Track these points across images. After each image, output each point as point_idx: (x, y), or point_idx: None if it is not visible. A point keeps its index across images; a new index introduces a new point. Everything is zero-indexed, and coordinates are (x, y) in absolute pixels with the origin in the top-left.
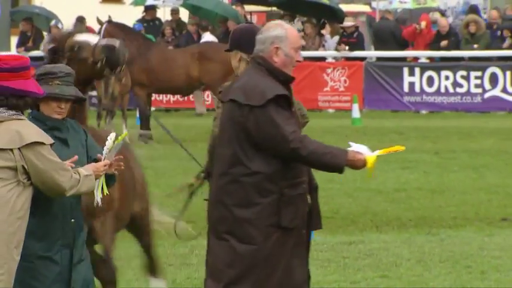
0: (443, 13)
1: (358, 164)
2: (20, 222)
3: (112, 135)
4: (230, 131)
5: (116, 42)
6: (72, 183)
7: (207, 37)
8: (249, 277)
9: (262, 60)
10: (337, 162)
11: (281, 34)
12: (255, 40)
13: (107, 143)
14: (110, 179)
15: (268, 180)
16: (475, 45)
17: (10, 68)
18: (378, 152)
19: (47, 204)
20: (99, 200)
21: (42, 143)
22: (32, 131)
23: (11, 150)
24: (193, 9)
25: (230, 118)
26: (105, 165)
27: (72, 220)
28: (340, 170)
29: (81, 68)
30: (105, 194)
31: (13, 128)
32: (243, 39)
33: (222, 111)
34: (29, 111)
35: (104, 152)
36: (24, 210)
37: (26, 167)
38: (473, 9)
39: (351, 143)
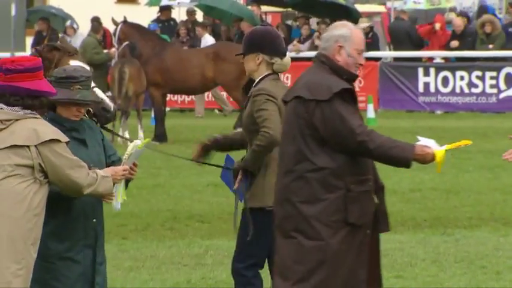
0: (463, 14)
1: (427, 158)
2: (37, 219)
3: (135, 142)
4: (294, 128)
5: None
6: (89, 181)
7: (207, 38)
8: (317, 273)
9: (326, 58)
10: (404, 156)
11: (346, 34)
12: (276, 43)
13: (128, 148)
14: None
15: (334, 176)
16: (490, 46)
17: (24, 69)
18: (446, 146)
19: (68, 205)
20: (119, 206)
21: (58, 141)
22: (48, 129)
23: (28, 147)
24: (207, 10)
25: (295, 115)
26: (124, 170)
27: (94, 220)
28: (407, 165)
29: None
30: (123, 199)
31: (29, 126)
32: (266, 42)
33: (284, 111)
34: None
35: (124, 157)
36: (40, 207)
37: (42, 164)
38: (484, 10)
39: (419, 137)
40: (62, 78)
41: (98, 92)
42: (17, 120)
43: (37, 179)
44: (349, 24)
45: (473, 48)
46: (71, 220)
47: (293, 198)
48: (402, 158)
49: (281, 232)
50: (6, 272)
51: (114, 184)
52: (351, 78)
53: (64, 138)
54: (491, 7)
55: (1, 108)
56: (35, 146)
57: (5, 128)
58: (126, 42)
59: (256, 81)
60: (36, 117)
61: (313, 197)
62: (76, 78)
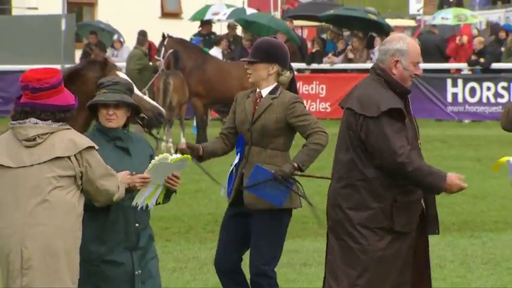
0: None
1: (453, 189)
2: (82, 226)
3: (166, 155)
4: (347, 137)
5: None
6: (117, 189)
7: (214, 51)
8: (365, 276)
9: (382, 71)
10: (438, 185)
11: (402, 48)
12: (288, 56)
13: (156, 157)
14: (169, 193)
15: (382, 187)
16: None
17: (51, 86)
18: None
19: (108, 210)
20: (151, 207)
21: (94, 147)
22: (82, 138)
23: (69, 157)
24: (246, 24)
25: (347, 125)
26: (142, 178)
27: (137, 225)
28: (438, 193)
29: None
30: (157, 202)
31: (66, 136)
32: (282, 54)
33: (342, 118)
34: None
35: (148, 168)
36: (82, 213)
37: (83, 171)
38: (494, 29)
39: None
40: (105, 85)
41: (148, 99)
42: (52, 133)
43: (79, 186)
44: (406, 38)
45: (498, 61)
46: (110, 223)
47: (343, 204)
48: (435, 186)
49: (333, 234)
50: (68, 281)
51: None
52: (404, 92)
53: (96, 146)
54: (507, 24)
55: (36, 123)
56: (75, 155)
57: (43, 142)
58: (171, 50)
59: (270, 90)
60: (68, 129)
61: (361, 204)
62: (102, 84)
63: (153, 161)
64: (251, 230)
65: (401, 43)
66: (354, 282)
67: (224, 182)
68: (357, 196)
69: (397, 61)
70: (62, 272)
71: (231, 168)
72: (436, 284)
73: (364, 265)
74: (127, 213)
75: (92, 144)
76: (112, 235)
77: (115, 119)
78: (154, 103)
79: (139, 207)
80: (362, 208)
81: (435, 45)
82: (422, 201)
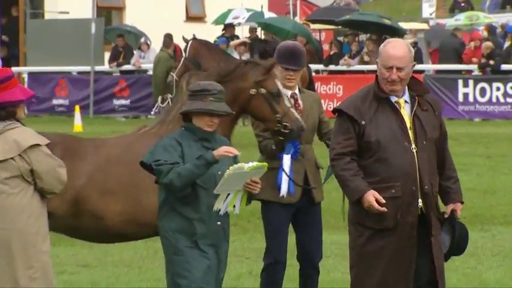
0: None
1: (365, 205)
2: (40, 219)
3: (243, 164)
4: None
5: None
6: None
7: (247, 57)
8: (354, 268)
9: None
10: (348, 197)
11: (380, 50)
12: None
13: (233, 166)
14: (251, 196)
15: None
16: None
17: None
18: None
19: (193, 206)
20: (237, 210)
21: (39, 144)
22: (28, 136)
23: (12, 158)
24: (266, 26)
25: None
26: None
27: (219, 223)
28: (351, 203)
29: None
30: (244, 205)
31: (11, 137)
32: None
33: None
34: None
35: (223, 177)
36: (40, 207)
37: (32, 168)
38: (491, 31)
39: None
40: (197, 91)
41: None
42: None
43: (29, 182)
44: (390, 41)
45: (508, 62)
46: (195, 220)
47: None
48: (349, 197)
49: None
50: (23, 280)
51: None
52: (376, 95)
53: (44, 141)
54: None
55: None
56: (19, 154)
57: None
58: (184, 57)
59: (298, 90)
60: (15, 127)
61: (351, 201)
62: (209, 91)
63: (228, 171)
64: (306, 224)
65: (382, 46)
66: (350, 271)
67: (274, 182)
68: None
69: (377, 63)
70: (17, 270)
71: (281, 169)
72: (448, 275)
73: (351, 260)
74: (210, 211)
75: (38, 141)
76: (197, 230)
77: (213, 125)
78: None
79: (222, 212)
80: (350, 204)
81: (453, 48)
82: (419, 202)
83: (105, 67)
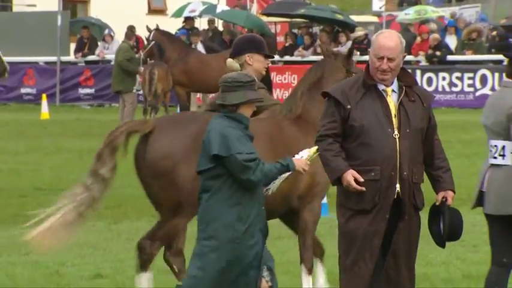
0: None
1: (344, 184)
2: None
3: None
4: None
5: None
6: None
7: (199, 46)
8: (338, 247)
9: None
10: (328, 176)
11: (372, 40)
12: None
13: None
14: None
15: None
16: (468, 52)
17: None
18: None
19: (250, 192)
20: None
21: None
22: None
23: None
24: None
25: None
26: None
27: (263, 208)
28: (332, 183)
29: None
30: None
31: None
32: None
33: None
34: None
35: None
36: None
37: None
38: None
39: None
40: (248, 82)
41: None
42: None
43: None
44: (382, 31)
45: (452, 53)
46: (251, 206)
47: None
48: (329, 176)
49: None
50: None
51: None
52: (364, 82)
53: None
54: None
55: None
56: None
57: None
58: (153, 42)
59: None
60: None
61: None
62: (255, 81)
63: (307, 156)
64: None
65: (375, 36)
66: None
67: None
68: None
69: (369, 51)
70: None
71: None
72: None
73: (338, 237)
74: (260, 196)
75: None
76: (250, 217)
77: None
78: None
79: (270, 192)
80: (337, 188)
81: (406, 40)
82: (396, 187)
83: (71, 57)
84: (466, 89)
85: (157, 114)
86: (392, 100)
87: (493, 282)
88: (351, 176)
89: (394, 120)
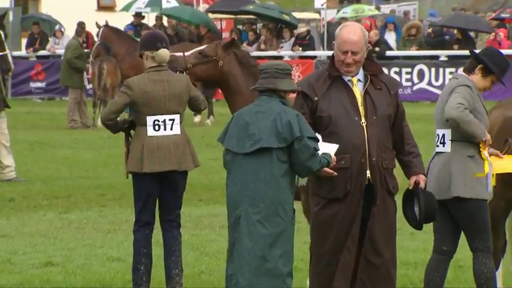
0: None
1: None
2: None
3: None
4: None
5: None
6: None
7: None
8: (311, 235)
9: (332, 55)
10: None
11: (336, 34)
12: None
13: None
14: None
15: None
16: (412, 48)
17: None
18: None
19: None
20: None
21: None
22: None
23: None
24: (170, 16)
25: None
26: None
27: None
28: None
29: None
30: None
31: None
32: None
33: None
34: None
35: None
36: None
37: None
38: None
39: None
40: (286, 70)
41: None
42: None
43: None
44: (346, 25)
45: (391, 49)
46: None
47: None
48: None
49: None
50: None
51: None
52: (329, 75)
53: None
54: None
55: None
56: None
57: None
58: (98, 42)
59: None
60: None
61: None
62: (291, 69)
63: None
64: None
65: (338, 29)
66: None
67: None
68: None
69: (334, 45)
70: None
71: None
72: None
73: (310, 228)
74: None
75: None
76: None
77: None
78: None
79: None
80: (308, 178)
81: None
82: (367, 173)
83: (22, 52)
84: (404, 83)
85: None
86: (358, 89)
87: (432, 269)
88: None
89: (361, 109)
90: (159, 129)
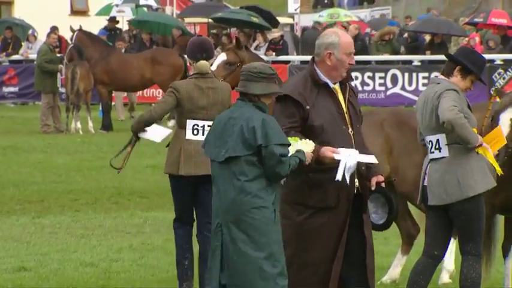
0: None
1: (326, 161)
2: None
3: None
4: None
5: None
6: None
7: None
8: (289, 249)
9: (310, 63)
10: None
11: (334, 41)
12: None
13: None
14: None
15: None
16: (385, 53)
17: None
18: None
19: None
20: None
21: None
22: None
23: None
24: (139, 25)
25: None
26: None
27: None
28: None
29: None
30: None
31: None
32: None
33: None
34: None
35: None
36: None
37: None
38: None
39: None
40: (271, 75)
41: None
42: None
43: None
44: (338, 31)
45: (366, 53)
46: (279, 188)
47: None
48: (300, 164)
49: None
50: None
51: None
52: (315, 82)
53: None
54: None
55: None
56: None
57: None
58: (71, 45)
59: None
60: None
61: (285, 182)
62: (276, 74)
63: (311, 148)
64: None
65: (334, 37)
66: (285, 251)
67: None
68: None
69: (330, 53)
70: None
71: None
72: None
73: (286, 238)
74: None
75: None
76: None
77: None
78: None
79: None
80: (285, 186)
81: (316, 39)
82: (355, 181)
83: None
84: (378, 88)
85: (79, 112)
86: (341, 97)
87: (420, 272)
88: (328, 150)
89: (346, 117)
90: (197, 134)
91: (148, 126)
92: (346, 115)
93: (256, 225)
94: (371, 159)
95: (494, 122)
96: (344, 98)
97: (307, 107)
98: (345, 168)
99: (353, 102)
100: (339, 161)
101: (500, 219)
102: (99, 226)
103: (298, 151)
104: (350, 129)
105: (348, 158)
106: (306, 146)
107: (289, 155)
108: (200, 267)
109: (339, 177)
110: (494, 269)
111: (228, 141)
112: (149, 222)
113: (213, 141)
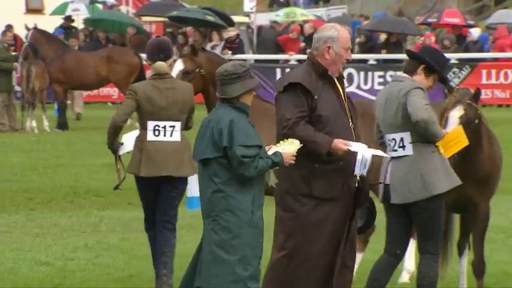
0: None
1: (339, 153)
2: None
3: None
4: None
5: None
6: None
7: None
8: (292, 239)
9: (311, 55)
10: (320, 151)
11: (333, 35)
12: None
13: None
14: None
15: (301, 155)
16: None
17: None
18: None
19: (259, 181)
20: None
21: None
22: None
23: None
24: (94, 24)
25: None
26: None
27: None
28: (323, 156)
29: None
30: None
31: None
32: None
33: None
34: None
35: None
36: None
37: None
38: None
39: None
40: (245, 72)
41: None
42: None
43: None
44: (336, 26)
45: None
46: (261, 189)
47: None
48: (318, 152)
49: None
50: None
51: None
52: (323, 72)
53: None
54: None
55: None
56: None
57: None
58: (26, 44)
59: None
60: None
61: (285, 174)
62: (250, 69)
63: (294, 149)
64: None
65: (332, 31)
66: (282, 245)
67: None
68: (283, 167)
69: (329, 47)
70: None
71: None
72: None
73: (289, 230)
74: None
75: None
76: (261, 200)
77: None
78: None
79: (270, 184)
80: (286, 178)
81: (272, 39)
82: (356, 174)
83: None
84: None
85: (34, 110)
86: (341, 91)
87: (380, 269)
88: (340, 142)
89: (347, 111)
90: (158, 135)
91: (116, 133)
92: (346, 109)
93: (229, 228)
94: (381, 153)
95: (443, 119)
96: (343, 92)
97: (316, 97)
98: (361, 161)
99: (350, 98)
100: (352, 152)
101: (456, 218)
102: (54, 225)
103: (274, 153)
104: (351, 123)
105: (364, 151)
106: (291, 146)
107: (266, 155)
108: (154, 263)
109: (357, 171)
110: (450, 267)
111: (204, 143)
112: (105, 221)
113: (197, 144)
